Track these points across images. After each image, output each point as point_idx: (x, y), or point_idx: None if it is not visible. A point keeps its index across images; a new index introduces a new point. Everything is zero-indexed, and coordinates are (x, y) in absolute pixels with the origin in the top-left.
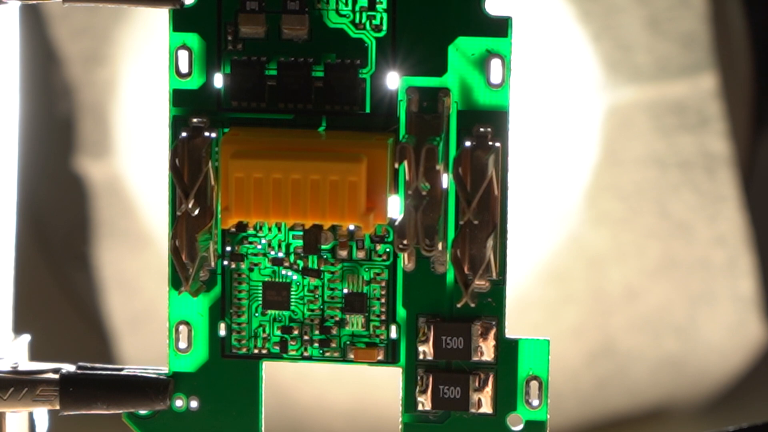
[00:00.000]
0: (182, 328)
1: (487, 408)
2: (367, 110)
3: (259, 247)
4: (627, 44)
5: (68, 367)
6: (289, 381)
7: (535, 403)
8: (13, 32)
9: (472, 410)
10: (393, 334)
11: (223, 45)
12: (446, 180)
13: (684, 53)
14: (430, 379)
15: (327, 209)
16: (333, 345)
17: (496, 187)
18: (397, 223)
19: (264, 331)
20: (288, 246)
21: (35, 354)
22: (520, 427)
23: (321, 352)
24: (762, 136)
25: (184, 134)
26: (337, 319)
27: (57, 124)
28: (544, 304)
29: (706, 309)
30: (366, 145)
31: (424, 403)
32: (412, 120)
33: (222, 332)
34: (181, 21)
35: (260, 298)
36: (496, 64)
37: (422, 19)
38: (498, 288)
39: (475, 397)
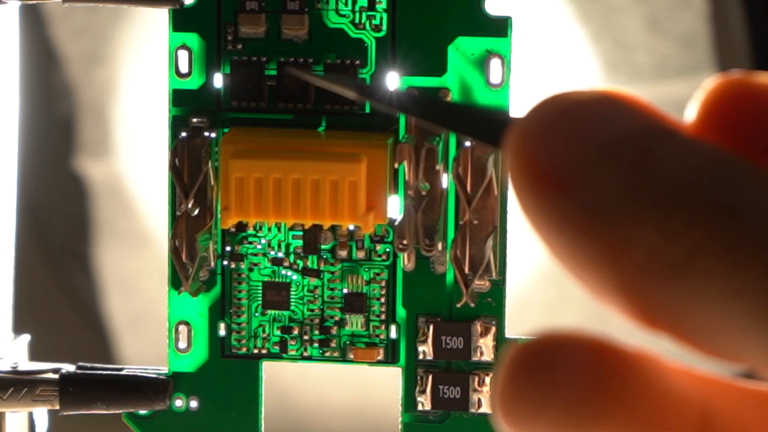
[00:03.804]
0: (182, 328)
1: (487, 408)
2: (367, 110)
3: (259, 247)
4: (627, 44)
5: (68, 367)
6: (289, 381)
7: None
8: (13, 32)
9: (472, 410)
10: (393, 334)
11: (223, 45)
12: (446, 180)
13: (684, 53)
14: (430, 379)
15: (327, 209)
16: (333, 345)
17: (496, 187)
18: (397, 223)
19: (264, 331)
20: (288, 246)
21: (35, 354)
22: None
23: (321, 352)
24: None
25: (184, 134)
26: (337, 319)
27: (57, 124)
28: (544, 304)
29: None
30: (366, 145)
31: (424, 403)
32: (412, 120)
33: (222, 332)
34: (181, 21)
35: (260, 298)
36: (496, 64)
37: (422, 19)
38: (498, 288)
39: (474, 397)
